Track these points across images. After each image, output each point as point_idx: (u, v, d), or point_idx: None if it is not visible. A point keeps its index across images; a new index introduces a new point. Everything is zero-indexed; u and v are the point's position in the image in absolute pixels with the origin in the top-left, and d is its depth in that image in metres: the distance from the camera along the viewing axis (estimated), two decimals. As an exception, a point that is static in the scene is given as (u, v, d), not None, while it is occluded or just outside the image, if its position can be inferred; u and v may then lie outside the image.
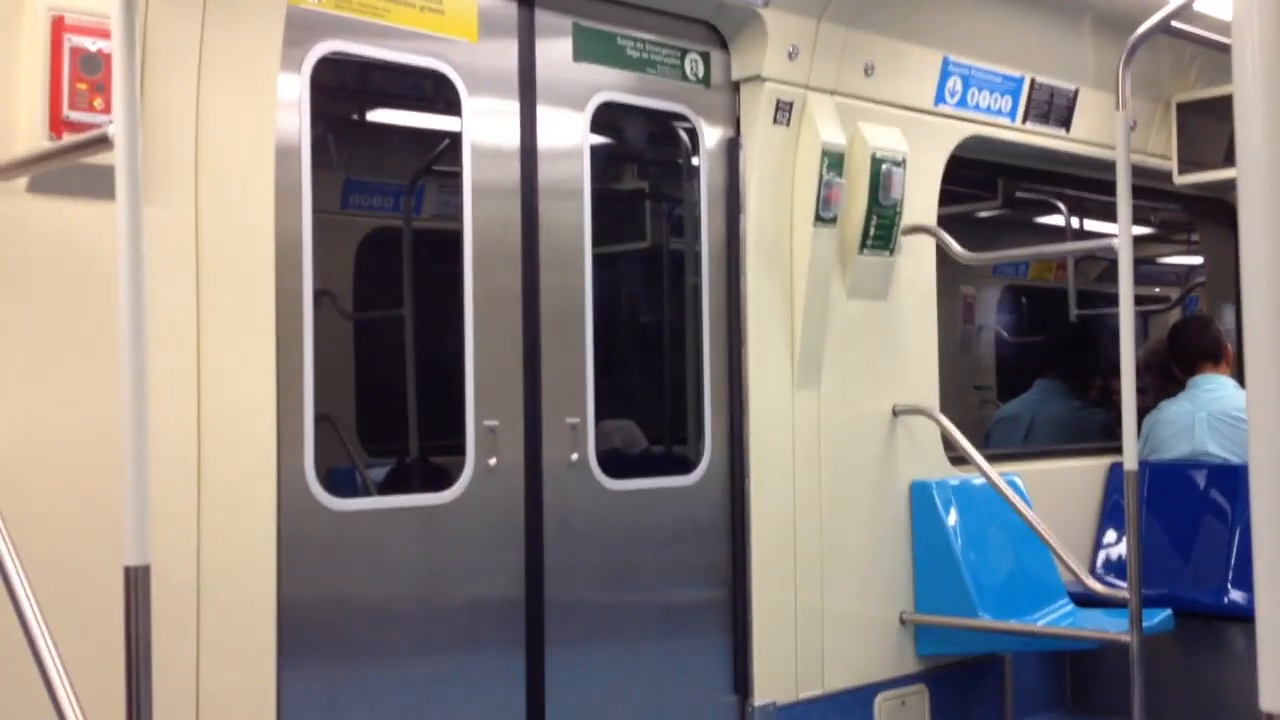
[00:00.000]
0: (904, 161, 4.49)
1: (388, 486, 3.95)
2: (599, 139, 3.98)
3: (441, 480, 3.59)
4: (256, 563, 3.03)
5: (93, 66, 2.71)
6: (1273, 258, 1.27)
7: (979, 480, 4.65)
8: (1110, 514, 5.50)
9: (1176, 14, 3.92)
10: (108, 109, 2.67)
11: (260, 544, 3.04)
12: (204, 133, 2.95)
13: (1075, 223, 7.26)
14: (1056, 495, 5.21)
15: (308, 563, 3.22)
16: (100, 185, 2.56)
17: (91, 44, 2.72)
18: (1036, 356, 8.28)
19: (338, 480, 3.55)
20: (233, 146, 3.00)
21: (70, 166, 2.63)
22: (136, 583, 2.02)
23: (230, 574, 2.97)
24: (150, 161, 2.77)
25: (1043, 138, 5.25)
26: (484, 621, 3.62)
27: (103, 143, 2.15)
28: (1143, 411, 5.48)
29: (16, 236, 2.72)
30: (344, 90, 3.86)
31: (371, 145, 4.48)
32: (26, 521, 2.53)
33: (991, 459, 4.69)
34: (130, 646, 2.04)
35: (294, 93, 3.25)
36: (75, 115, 2.70)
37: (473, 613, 3.59)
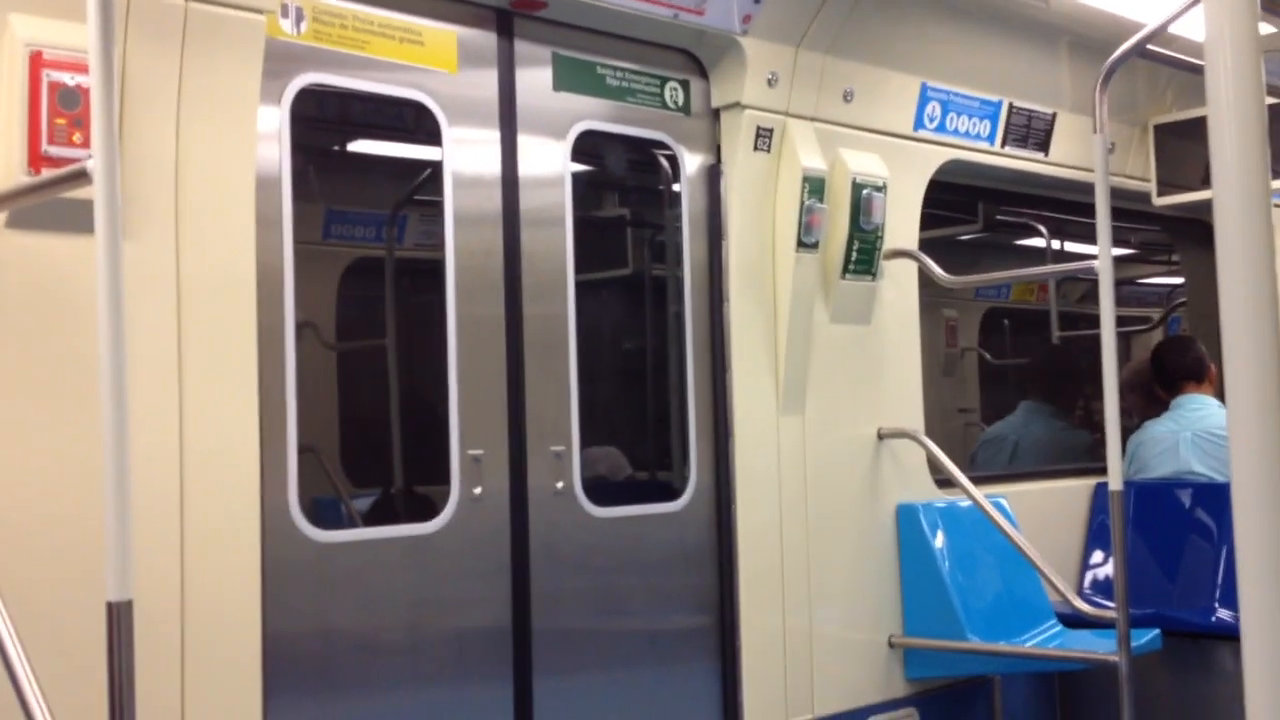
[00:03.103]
0: (885, 186, 4.51)
1: (372, 517, 3.93)
2: (580, 167, 3.99)
3: (426, 510, 3.58)
4: (240, 596, 3.01)
5: (71, 101, 2.71)
6: (1249, 276, 1.28)
7: (965, 502, 4.65)
8: (1096, 534, 5.50)
9: (1151, 38, 3.95)
10: (87, 144, 2.67)
11: (244, 577, 3.02)
12: (184, 166, 2.94)
13: (1056, 245, 7.30)
14: (1043, 516, 5.21)
15: (292, 595, 3.20)
16: (79, 220, 2.56)
17: (70, 79, 2.71)
18: (1020, 378, 8.32)
19: (322, 511, 3.54)
20: (213, 179, 3.00)
21: (49, 201, 2.63)
22: (119, 618, 2.01)
23: (214, 607, 2.95)
24: (129, 195, 2.77)
25: (1022, 161, 5.28)
26: (471, 651, 3.60)
27: (81, 177, 2.15)
28: (1127, 432, 5.50)
29: (-4, 272, 2.71)
30: (324, 121, 3.86)
31: (352, 176, 4.48)
32: (7, 557, 2.52)
33: (977, 481, 4.69)
34: (113, 682, 2.03)
35: (274, 124, 3.25)
36: (54, 150, 2.69)
37: (459, 642, 3.58)
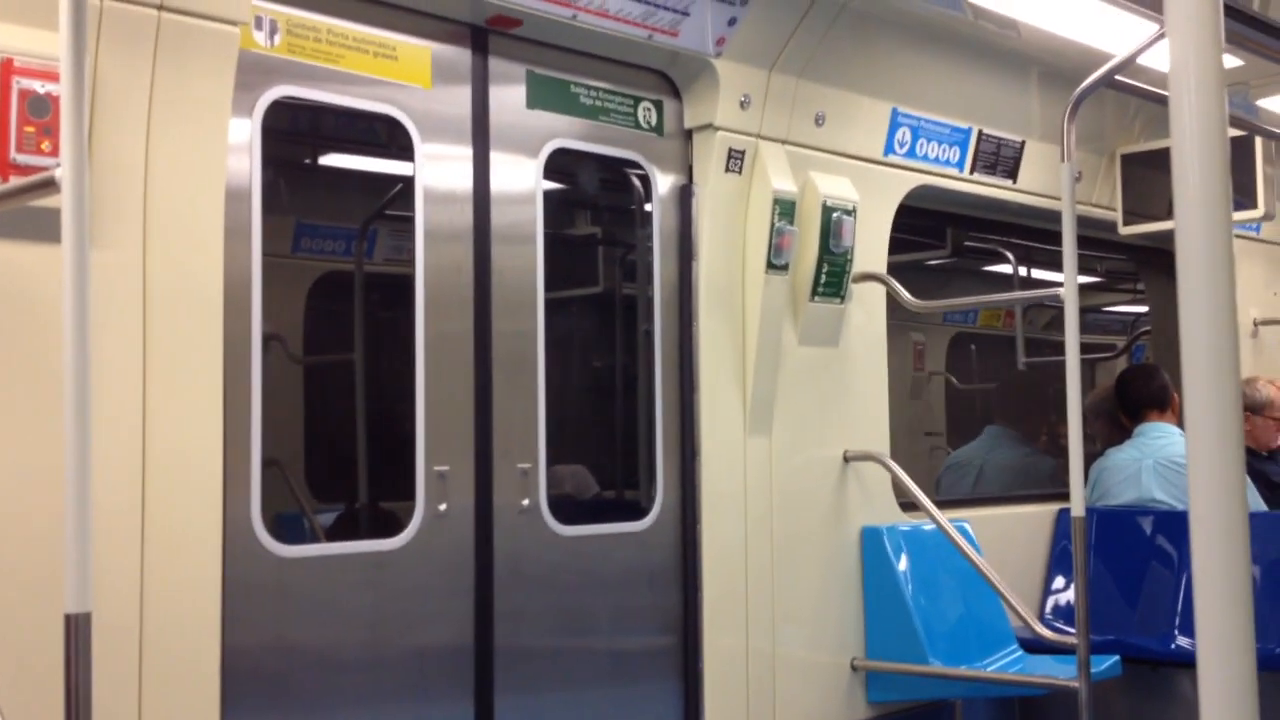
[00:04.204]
0: (854, 210, 4.54)
1: (336, 532, 3.91)
2: (552, 185, 3.99)
3: (391, 526, 3.56)
4: (201, 610, 2.99)
5: (41, 109, 2.70)
6: (1210, 307, 1.30)
7: (929, 526, 4.67)
8: (1059, 560, 5.53)
9: (1120, 68, 3.99)
10: (56, 152, 2.65)
11: (205, 591, 3.00)
12: (153, 176, 2.93)
13: (1023, 271, 7.35)
14: (1006, 541, 5.24)
15: (253, 610, 3.18)
16: (47, 228, 2.54)
17: (40, 86, 2.70)
18: (986, 403, 8.37)
19: (285, 526, 3.51)
20: (182, 190, 2.99)
21: (17, 210, 2.61)
22: (77, 630, 1.99)
23: (174, 621, 2.93)
24: (98, 205, 2.75)
25: (990, 188, 5.32)
26: (433, 669, 3.58)
27: (50, 186, 2.13)
28: (1090, 458, 5.53)
29: (-40, 279, 2.68)
30: (296, 134, 3.85)
31: (323, 189, 4.47)
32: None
33: (941, 505, 4.70)
34: (70, 696, 2.01)
35: (245, 137, 3.24)
36: (22, 158, 2.68)
37: (421, 660, 3.56)
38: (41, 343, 2.70)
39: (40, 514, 2.65)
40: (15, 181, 2.62)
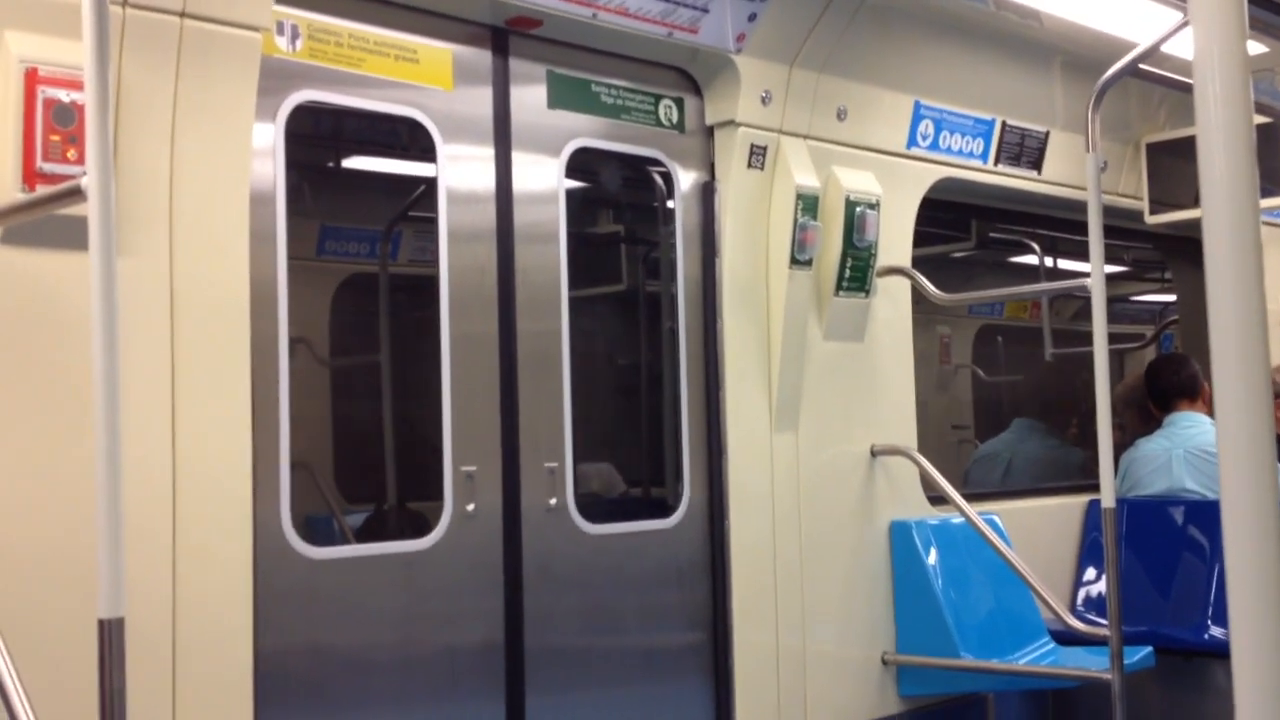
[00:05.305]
0: (878, 204, 4.52)
1: (365, 534, 3.93)
2: (574, 184, 4.00)
3: (419, 527, 3.57)
4: (232, 613, 3.00)
5: (66, 118, 2.72)
6: (1238, 295, 1.29)
7: (958, 520, 4.65)
8: (1090, 551, 5.50)
9: (1144, 57, 3.97)
10: (81, 160, 2.67)
11: (236, 594, 3.02)
12: (178, 183, 2.95)
13: (1049, 262, 7.32)
14: (1036, 534, 5.22)
15: (285, 612, 3.19)
16: (74, 236, 2.56)
17: (65, 95, 2.72)
18: (1013, 395, 8.33)
19: (314, 528, 3.53)
20: (207, 196, 3.00)
21: (44, 218, 2.63)
22: (111, 636, 2.00)
23: (206, 625, 2.95)
24: (124, 212, 2.77)
25: (1015, 179, 5.30)
26: (464, 668, 3.59)
27: (76, 194, 2.15)
28: (1120, 449, 5.50)
29: (-10, 288, 2.71)
30: (319, 138, 3.87)
31: (347, 192, 4.48)
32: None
33: (970, 498, 4.69)
34: (105, 699, 2.02)
35: (269, 141, 3.26)
36: (49, 167, 2.70)
37: (452, 660, 3.57)
38: (70, 350, 2.71)
39: (71, 520, 2.67)
40: (42, 190, 2.64)
